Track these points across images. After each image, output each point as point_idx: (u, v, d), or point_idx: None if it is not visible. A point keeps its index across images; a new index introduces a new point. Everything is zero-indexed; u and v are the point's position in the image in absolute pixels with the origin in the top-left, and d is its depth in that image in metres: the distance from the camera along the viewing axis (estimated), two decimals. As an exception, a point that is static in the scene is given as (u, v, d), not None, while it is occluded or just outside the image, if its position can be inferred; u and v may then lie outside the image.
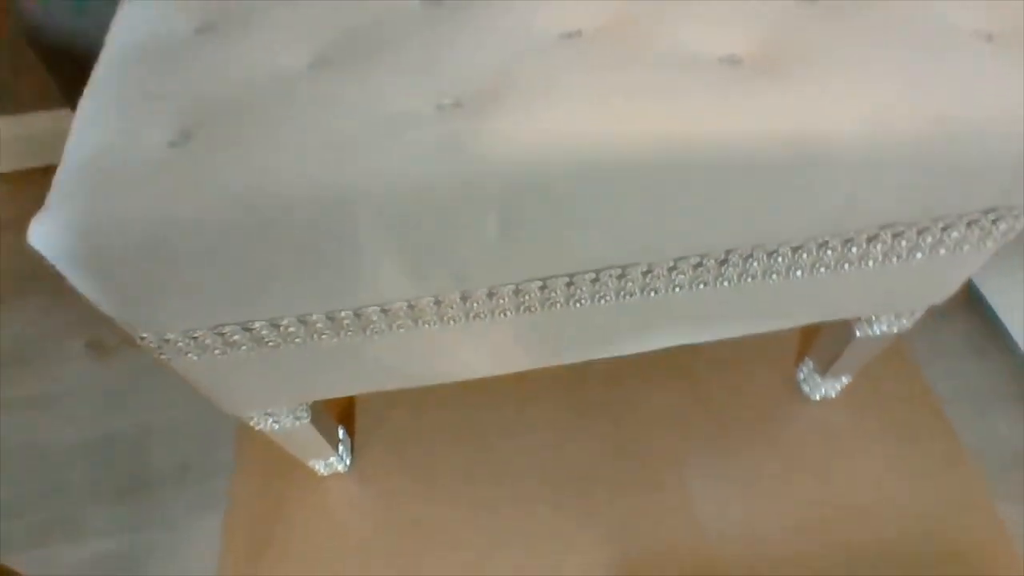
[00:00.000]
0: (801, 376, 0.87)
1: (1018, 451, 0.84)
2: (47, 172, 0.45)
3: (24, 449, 0.91)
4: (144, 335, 0.51)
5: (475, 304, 0.53)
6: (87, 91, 0.49)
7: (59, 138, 0.48)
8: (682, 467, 0.83)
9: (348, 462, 0.85)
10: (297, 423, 0.69)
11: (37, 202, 0.43)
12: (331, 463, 0.82)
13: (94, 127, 0.46)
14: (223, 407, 0.64)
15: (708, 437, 0.85)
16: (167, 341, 0.52)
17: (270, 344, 0.54)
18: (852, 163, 0.46)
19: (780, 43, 0.47)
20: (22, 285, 1.07)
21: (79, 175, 0.43)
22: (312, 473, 0.84)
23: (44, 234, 0.42)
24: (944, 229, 0.53)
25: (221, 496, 0.85)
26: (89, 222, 0.41)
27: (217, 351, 0.54)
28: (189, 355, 0.54)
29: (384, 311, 0.52)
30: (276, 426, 0.69)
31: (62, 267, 0.43)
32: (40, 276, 0.99)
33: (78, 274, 0.44)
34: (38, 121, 1.15)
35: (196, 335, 0.51)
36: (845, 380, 0.84)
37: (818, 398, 0.87)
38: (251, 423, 0.69)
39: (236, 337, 0.52)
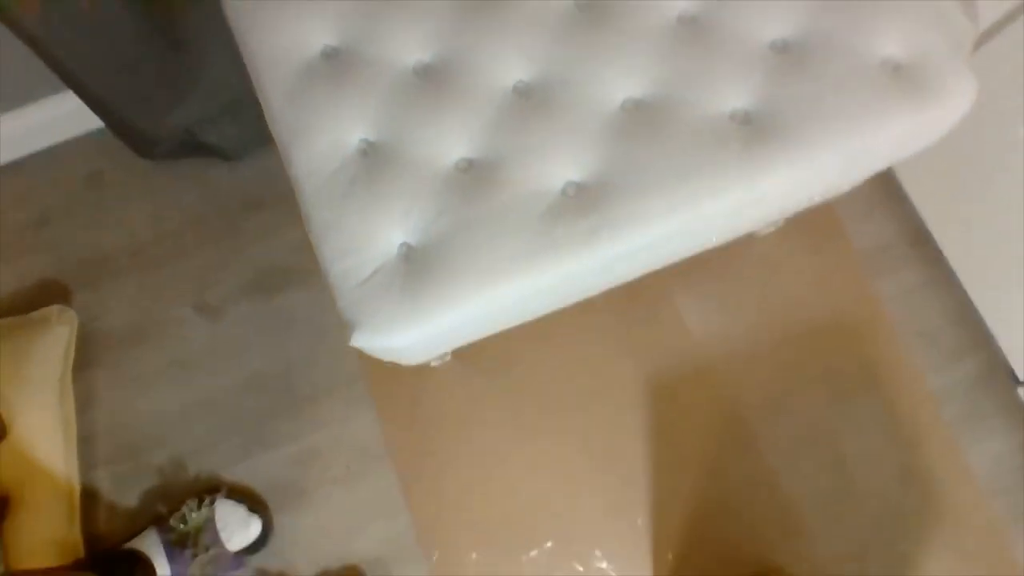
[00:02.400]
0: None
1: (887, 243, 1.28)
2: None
3: (193, 406, 1.17)
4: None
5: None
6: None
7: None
8: (673, 295, 1.22)
9: (449, 354, 1.18)
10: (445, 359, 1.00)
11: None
12: (444, 356, 1.15)
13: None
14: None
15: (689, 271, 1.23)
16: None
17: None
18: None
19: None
20: (99, 270, 1.23)
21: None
22: (426, 365, 1.18)
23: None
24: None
25: (366, 396, 1.17)
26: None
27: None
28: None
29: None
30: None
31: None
32: (112, 258, 1.18)
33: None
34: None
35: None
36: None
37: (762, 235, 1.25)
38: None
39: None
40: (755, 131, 0.72)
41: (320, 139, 0.71)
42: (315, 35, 0.75)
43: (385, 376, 1.18)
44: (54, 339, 1.12)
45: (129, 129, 1.16)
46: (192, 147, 1.23)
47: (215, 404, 1.17)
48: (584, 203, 0.70)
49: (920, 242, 1.27)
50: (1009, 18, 0.97)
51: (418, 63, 0.75)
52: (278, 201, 1.27)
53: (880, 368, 1.21)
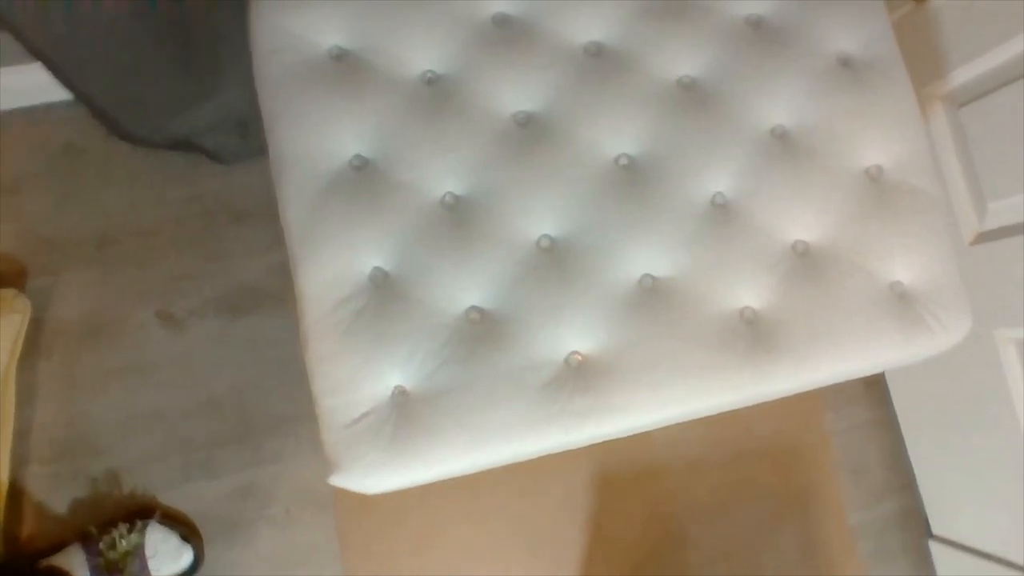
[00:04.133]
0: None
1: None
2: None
3: (139, 417, 1.14)
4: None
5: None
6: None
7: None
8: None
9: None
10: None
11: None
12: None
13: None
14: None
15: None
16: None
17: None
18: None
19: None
20: (62, 254, 1.17)
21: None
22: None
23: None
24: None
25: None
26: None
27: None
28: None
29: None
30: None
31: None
32: (79, 244, 1.12)
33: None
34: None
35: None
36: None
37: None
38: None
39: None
40: (760, 334, 0.73)
41: (334, 260, 0.69)
42: (348, 146, 0.72)
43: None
44: (5, 325, 1.07)
45: (113, 123, 1.09)
46: (184, 146, 1.17)
47: (163, 420, 1.15)
48: (585, 380, 0.70)
49: (874, 383, 1.33)
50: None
51: (448, 195, 0.73)
52: (265, 217, 1.22)
53: (811, 497, 1.28)
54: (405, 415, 0.67)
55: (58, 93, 1.20)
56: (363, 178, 0.72)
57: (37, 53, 0.92)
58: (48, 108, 1.21)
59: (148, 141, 1.13)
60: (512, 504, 1.19)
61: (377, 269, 0.70)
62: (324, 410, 0.68)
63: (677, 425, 1.29)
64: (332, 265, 0.69)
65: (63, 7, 0.87)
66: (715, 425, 1.26)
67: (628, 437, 1.25)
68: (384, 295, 0.70)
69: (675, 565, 1.22)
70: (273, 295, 1.20)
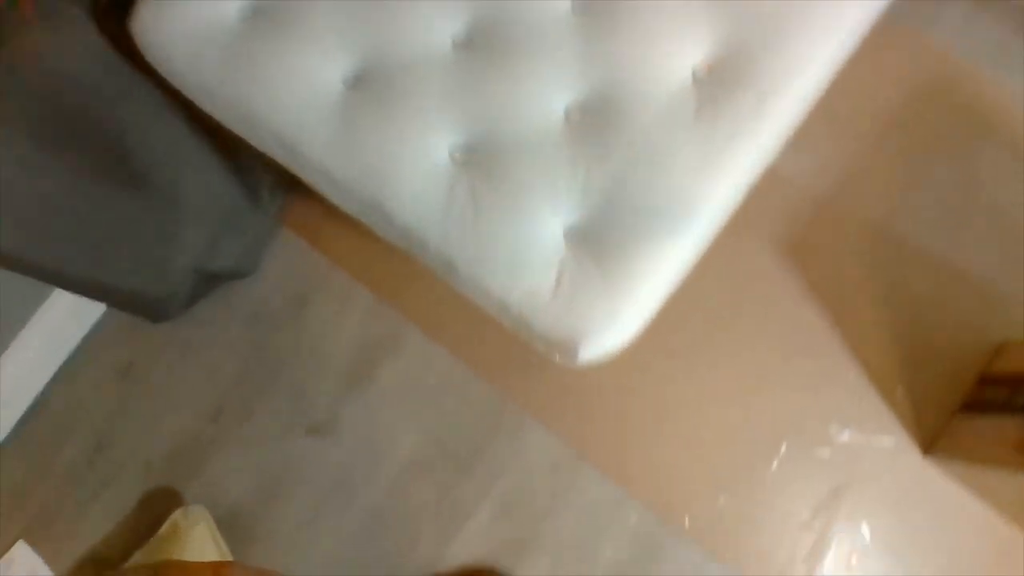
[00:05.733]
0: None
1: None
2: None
3: (361, 528, 1.06)
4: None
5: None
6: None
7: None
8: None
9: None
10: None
11: None
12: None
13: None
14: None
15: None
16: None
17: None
18: None
19: None
20: (190, 456, 1.11)
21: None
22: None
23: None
24: None
25: (523, 420, 1.07)
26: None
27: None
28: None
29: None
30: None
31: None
32: (194, 438, 1.05)
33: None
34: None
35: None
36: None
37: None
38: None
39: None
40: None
41: (409, 167, 0.60)
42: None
43: (527, 392, 1.08)
44: (196, 543, 1.00)
45: (138, 299, 1.02)
46: (205, 284, 1.10)
47: (382, 513, 1.06)
48: (725, 84, 0.59)
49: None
50: None
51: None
52: (318, 286, 1.14)
53: (982, 107, 1.13)
54: (593, 245, 0.57)
55: (74, 334, 1.15)
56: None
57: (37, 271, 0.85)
58: (76, 354, 1.16)
59: (174, 298, 1.06)
60: (729, 334, 1.07)
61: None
62: (518, 307, 0.58)
63: (804, 158, 1.16)
64: (411, 170, 0.59)
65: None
66: (833, 138, 1.12)
67: (772, 200, 1.13)
68: (481, 162, 0.60)
69: (913, 261, 1.08)
70: (379, 339, 1.12)
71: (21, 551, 1.10)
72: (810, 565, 1.00)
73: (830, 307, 1.06)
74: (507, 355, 1.09)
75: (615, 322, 0.56)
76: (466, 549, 1.04)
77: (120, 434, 1.13)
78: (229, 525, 1.06)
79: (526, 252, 0.57)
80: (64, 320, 1.10)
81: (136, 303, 1.04)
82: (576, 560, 1.02)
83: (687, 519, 1.02)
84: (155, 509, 1.08)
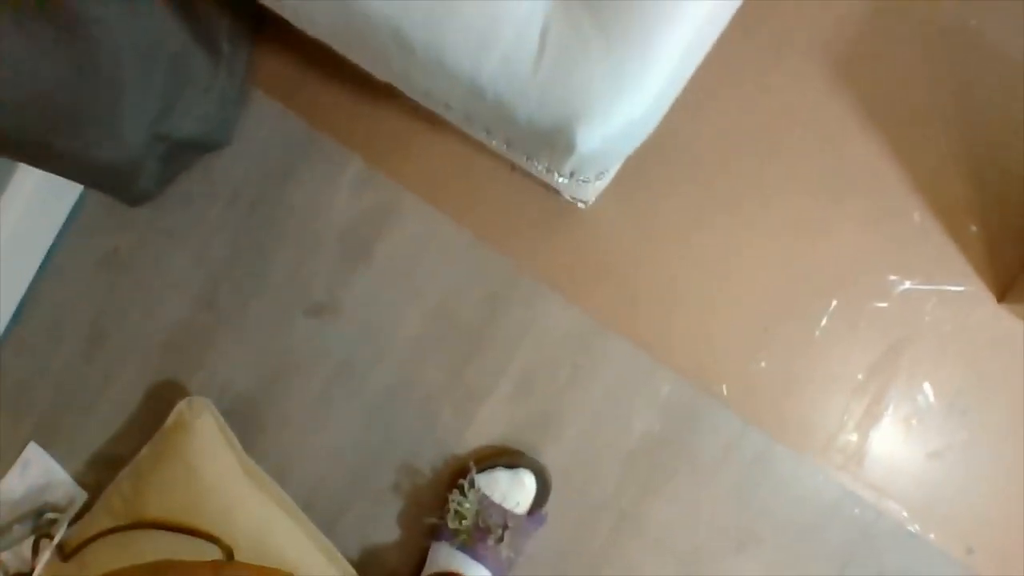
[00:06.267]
0: None
1: None
2: None
3: (374, 408, 0.99)
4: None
5: None
6: None
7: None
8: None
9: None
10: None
11: None
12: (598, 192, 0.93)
13: None
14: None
15: None
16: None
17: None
18: None
19: None
20: (188, 346, 1.04)
21: None
22: (578, 220, 0.96)
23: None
24: None
25: (539, 287, 0.97)
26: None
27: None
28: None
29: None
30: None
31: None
32: (191, 327, 0.98)
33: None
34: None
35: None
36: None
37: None
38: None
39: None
40: None
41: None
42: None
43: (539, 257, 0.97)
44: (203, 434, 0.95)
45: (105, 172, 0.92)
46: (177, 158, 0.99)
47: (394, 395, 0.99)
48: None
49: None
50: None
51: None
52: (301, 153, 1.03)
53: None
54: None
55: (52, 224, 1.07)
56: None
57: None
58: (60, 245, 1.08)
59: (141, 171, 0.95)
60: (766, 173, 0.93)
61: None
62: (495, 77, 0.45)
63: None
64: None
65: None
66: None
67: (816, 13, 0.92)
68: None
69: (978, 61, 0.91)
70: (377, 209, 1.01)
71: (34, 452, 1.07)
72: (864, 431, 0.90)
73: (889, 133, 0.91)
74: (516, 218, 0.97)
75: (621, 86, 0.42)
76: (487, 427, 0.97)
77: (114, 327, 1.06)
78: (236, 414, 1.01)
79: (495, 9, 0.43)
80: (35, 209, 1.02)
81: (104, 177, 0.94)
82: (605, 432, 0.94)
83: (724, 386, 0.92)
84: (159, 402, 1.03)
